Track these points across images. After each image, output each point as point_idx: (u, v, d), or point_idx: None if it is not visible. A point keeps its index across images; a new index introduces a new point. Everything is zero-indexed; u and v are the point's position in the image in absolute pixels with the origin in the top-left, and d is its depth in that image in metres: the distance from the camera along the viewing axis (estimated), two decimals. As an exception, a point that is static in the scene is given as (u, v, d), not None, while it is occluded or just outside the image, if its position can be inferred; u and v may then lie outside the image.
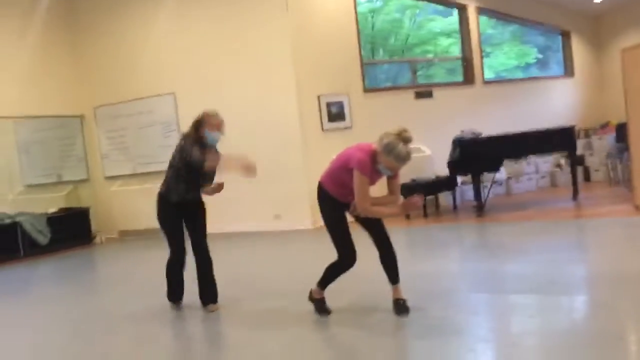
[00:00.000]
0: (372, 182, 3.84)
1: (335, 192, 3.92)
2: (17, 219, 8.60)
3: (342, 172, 3.83)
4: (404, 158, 3.69)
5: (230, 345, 3.92)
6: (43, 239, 8.75)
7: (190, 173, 4.42)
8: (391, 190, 3.95)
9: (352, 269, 3.95)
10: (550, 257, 5.16)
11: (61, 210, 9.42)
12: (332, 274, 4.05)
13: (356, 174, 3.72)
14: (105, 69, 9.85)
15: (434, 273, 5.12)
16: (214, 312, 4.51)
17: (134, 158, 9.68)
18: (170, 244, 4.59)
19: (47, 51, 9.64)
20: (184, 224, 4.62)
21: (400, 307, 3.93)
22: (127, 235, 9.66)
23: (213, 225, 9.01)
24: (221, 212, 9.04)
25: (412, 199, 3.81)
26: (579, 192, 8.33)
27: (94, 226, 9.69)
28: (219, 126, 4.45)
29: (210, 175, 4.52)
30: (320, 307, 4.15)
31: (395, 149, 3.64)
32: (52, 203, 9.46)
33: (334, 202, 3.94)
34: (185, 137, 4.45)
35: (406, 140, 3.68)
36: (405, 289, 4.02)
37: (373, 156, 3.75)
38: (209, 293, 4.62)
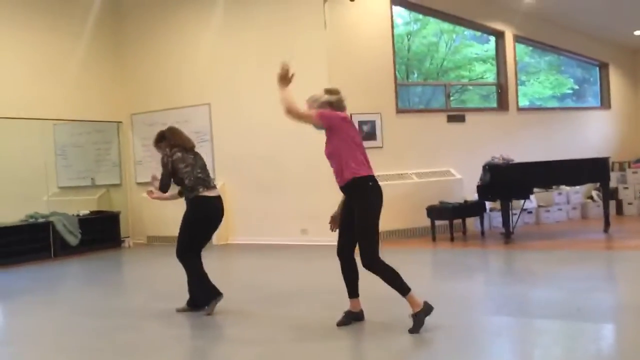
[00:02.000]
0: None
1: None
2: (50, 219, 8.80)
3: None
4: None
5: (237, 344, 3.95)
6: (74, 239, 8.93)
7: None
8: None
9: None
10: (578, 286, 5.08)
11: (93, 213, 9.63)
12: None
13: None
14: (144, 78, 10.10)
15: (458, 294, 5.08)
16: (210, 315, 4.69)
17: (167, 166, 9.83)
18: None
19: (93, 59, 9.92)
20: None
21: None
22: (155, 241, 9.80)
23: (240, 237, 9.16)
24: (249, 225, 9.18)
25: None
26: (610, 224, 8.18)
27: (123, 230, 9.87)
28: None
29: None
30: (341, 318, 4.18)
31: None
32: (84, 205, 9.68)
33: (344, 198, 4.20)
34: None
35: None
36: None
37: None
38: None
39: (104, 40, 10.14)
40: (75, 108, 9.52)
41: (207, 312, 4.71)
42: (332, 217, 4.35)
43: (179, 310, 4.85)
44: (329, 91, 4.29)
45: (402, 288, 3.90)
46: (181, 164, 4.82)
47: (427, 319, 3.87)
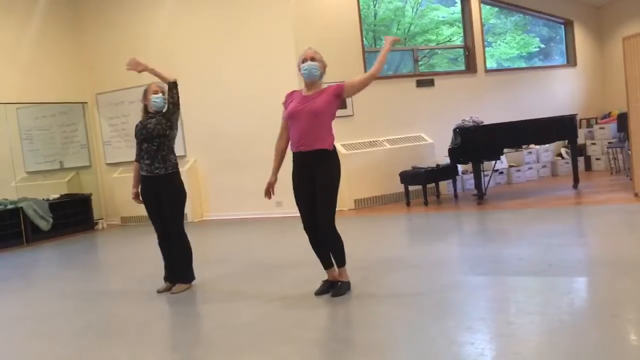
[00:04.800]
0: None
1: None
2: (20, 205, 8.64)
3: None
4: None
5: (208, 316, 3.96)
6: (45, 224, 8.80)
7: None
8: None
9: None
10: (549, 242, 5.19)
11: (63, 196, 9.47)
12: None
13: None
14: (107, 56, 9.86)
15: (434, 257, 5.15)
16: (187, 291, 4.73)
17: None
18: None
19: (50, 38, 9.66)
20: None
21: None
22: (129, 222, 9.71)
23: (215, 212, 9.12)
24: (224, 201, 9.14)
25: None
26: (579, 180, 8.35)
27: (95, 212, 9.74)
28: (158, 91, 4.72)
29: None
30: (320, 287, 4.23)
31: None
32: (54, 189, 9.53)
33: (295, 169, 4.17)
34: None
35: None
36: (404, 270, 4.05)
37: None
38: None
39: (61, 19, 9.84)
40: (37, 90, 9.28)
41: (177, 291, 4.71)
42: (269, 184, 4.31)
43: (160, 291, 4.81)
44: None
45: (344, 260, 4.15)
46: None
47: (403, 281, 4.06)
